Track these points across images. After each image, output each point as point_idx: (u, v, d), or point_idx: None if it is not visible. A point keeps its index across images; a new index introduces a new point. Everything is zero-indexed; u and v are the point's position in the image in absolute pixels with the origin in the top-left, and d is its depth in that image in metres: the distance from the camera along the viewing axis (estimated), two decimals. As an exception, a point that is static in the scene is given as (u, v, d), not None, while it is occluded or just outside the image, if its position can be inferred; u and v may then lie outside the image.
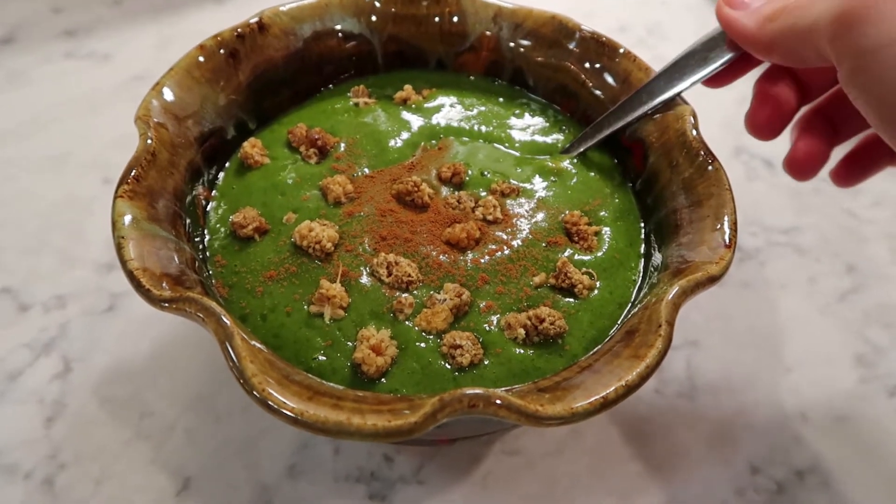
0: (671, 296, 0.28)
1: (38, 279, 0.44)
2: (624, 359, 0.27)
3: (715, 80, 0.36)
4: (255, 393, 0.24)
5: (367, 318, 0.32)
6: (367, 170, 0.38)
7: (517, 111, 0.43)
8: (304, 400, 0.25)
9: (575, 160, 0.40)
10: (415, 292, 0.33)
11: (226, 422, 0.38)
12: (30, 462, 0.36)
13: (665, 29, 0.68)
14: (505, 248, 0.35)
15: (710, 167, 0.34)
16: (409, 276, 0.33)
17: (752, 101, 0.34)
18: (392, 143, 0.40)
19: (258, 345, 0.28)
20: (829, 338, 0.45)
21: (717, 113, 0.53)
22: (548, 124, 0.43)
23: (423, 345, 0.31)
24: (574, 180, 0.39)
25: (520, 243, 0.35)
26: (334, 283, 0.32)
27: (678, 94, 0.37)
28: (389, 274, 0.33)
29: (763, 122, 0.34)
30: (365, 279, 0.33)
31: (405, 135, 0.41)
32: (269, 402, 0.24)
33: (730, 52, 0.34)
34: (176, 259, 0.30)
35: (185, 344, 0.41)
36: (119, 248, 0.28)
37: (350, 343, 0.31)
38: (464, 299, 0.32)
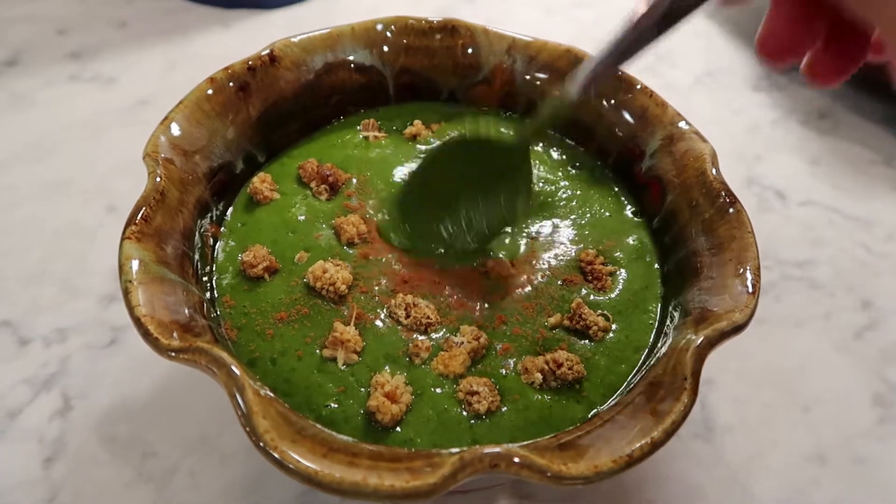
0: (696, 346, 0.27)
1: (39, 311, 0.43)
2: (648, 413, 0.26)
3: None
4: (267, 450, 0.23)
5: (382, 361, 0.31)
6: None
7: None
8: (319, 457, 0.24)
9: (592, 193, 0.39)
10: (433, 335, 0.32)
11: (230, 463, 0.37)
12: (28, 504, 0.35)
13: (674, 56, 0.68)
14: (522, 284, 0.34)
15: (731, 209, 0.33)
16: (428, 318, 0.32)
17: (767, 13, 0.25)
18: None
19: (269, 393, 0.27)
20: (845, 376, 0.44)
21: (728, 143, 0.53)
22: (562, 158, 0.42)
23: (438, 390, 0.30)
24: (589, 217, 0.38)
25: (536, 279, 0.35)
26: (348, 326, 0.31)
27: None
28: (408, 315, 0.32)
29: (784, 37, 0.24)
30: (380, 321, 0.32)
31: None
32: (282, 461, 0.23)
33: None
34: (185, 304, 0.29)
35: (188, 381, 0.40)
36: (126, 294, 0.27)
37: (363, 389, 0.30)
38: (481, 342, 0.32)
